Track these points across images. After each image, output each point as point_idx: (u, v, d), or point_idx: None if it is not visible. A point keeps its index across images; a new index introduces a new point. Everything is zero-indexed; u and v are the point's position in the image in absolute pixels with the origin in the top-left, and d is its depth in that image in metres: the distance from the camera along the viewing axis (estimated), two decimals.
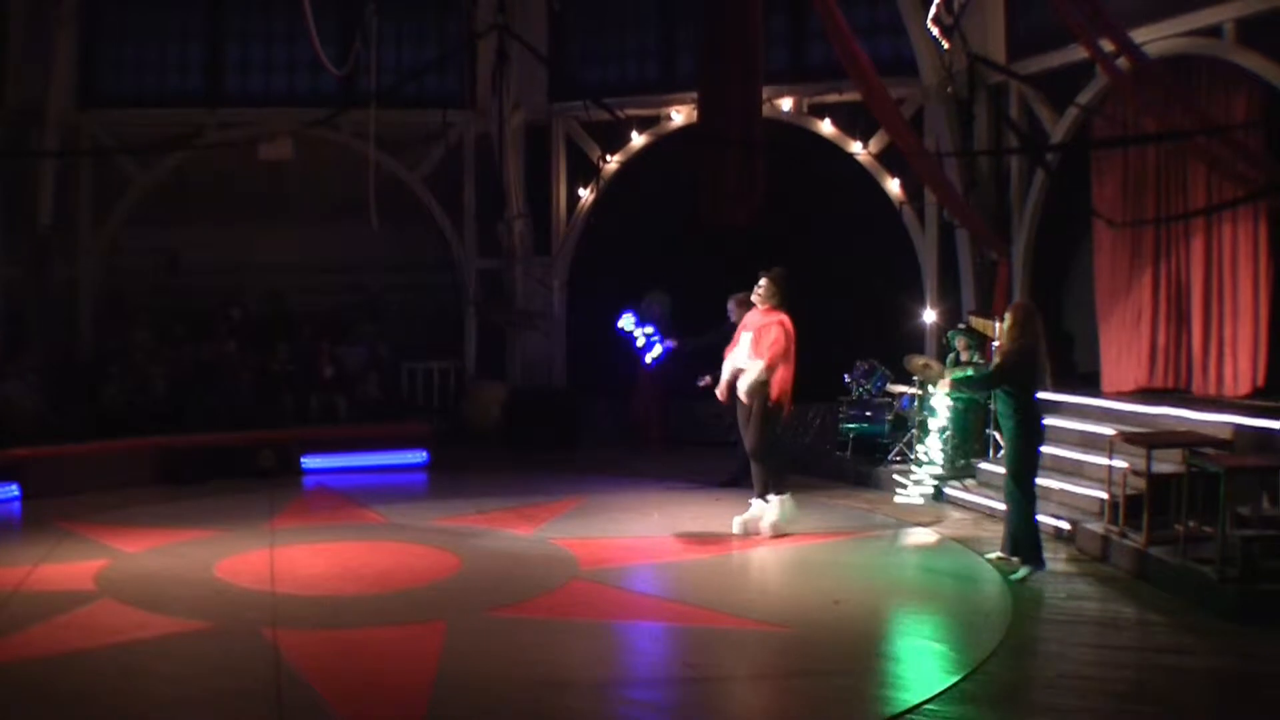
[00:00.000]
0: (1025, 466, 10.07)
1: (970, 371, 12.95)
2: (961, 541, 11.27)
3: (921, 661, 8.09)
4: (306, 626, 8.64)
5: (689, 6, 17.05)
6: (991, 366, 10.03)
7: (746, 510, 11.65)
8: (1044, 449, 11.31)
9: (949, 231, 15.88)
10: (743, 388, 11.31)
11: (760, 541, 11.36)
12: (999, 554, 10.38)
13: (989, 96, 15.38)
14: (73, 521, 12.16)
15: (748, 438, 11.52)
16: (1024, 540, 10.01)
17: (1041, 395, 12.85)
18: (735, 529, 11.52)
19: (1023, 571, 9.94)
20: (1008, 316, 10.13)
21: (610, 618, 9.06)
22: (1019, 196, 15.07)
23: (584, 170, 18.29)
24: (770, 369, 11.25)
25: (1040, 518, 11.42)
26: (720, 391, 11.69)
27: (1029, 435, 10.03)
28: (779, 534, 11.35)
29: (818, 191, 16.24)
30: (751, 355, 11.36)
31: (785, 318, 11.45)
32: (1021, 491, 10.04)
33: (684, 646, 8.45)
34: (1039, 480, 10.37)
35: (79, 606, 9.10)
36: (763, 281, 11.57)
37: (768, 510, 11.49)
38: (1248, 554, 8.93)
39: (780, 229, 15.57)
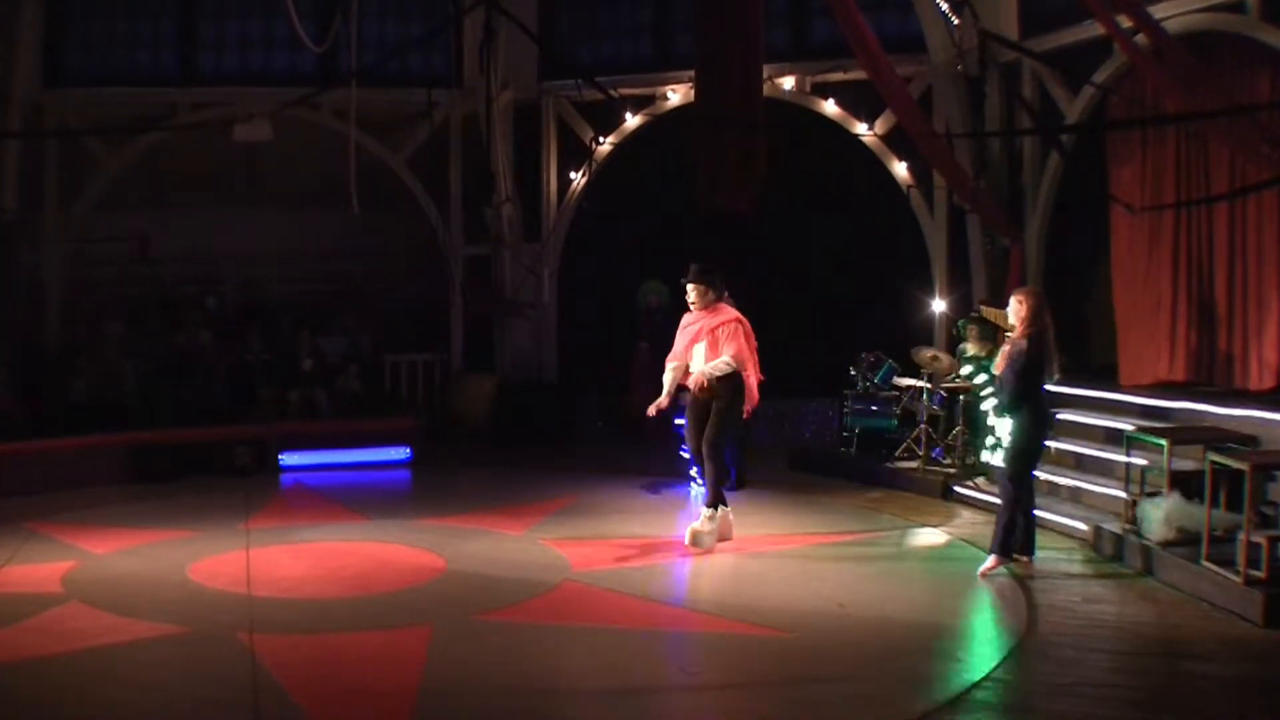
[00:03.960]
0: (1028, 458, 10.08)
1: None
2: (971, 542, 11.26)
3: (930, 668, 8.06)
4: (284, 631, 8.64)
5: None
6: (1014, 367, 9.94)
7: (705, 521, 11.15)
8: (1060, 445, 11.34)
9: (959, 216, 15.85)
10: (711, 371, 10.97)
11: (759, 543, 11.34)
12: (1016, 556, 10.39)
13: (1001, 75, 15.35)
14: (39, 521, 12.13)
15: (706, 432, 11.09)
16: (1008, 534, 10.03)
17: (1054, 388, 12.94)
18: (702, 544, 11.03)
19: (989, 561, 10.02)
20: (1020, 303, 10.05)
21: (603, 622, 9.05)
22: (1032, 180, 15.04)
23: (576, 152, 18.23)
24: (741, 365, 11.03)
25: (1054, 517, 11.47)
26: (694, 384, 11.15)
27: (1036, 426, 10.04)
28: (696, 545, 10.91)
29: (821, 175, 16.22)
30: (713, 356, 11.10)
31: (735, 313, 11.26)
32: (1018, 484, 10.05)
33: (680, 652, 8.44)
34: (1046, 476, 10.40)
35: (46, 610, 9.09)
36: (690, 288, 11.27)
37: (701, 515, 11.08)
38: (1273, 555, 8.92)
39: (781, 214, 15.56)
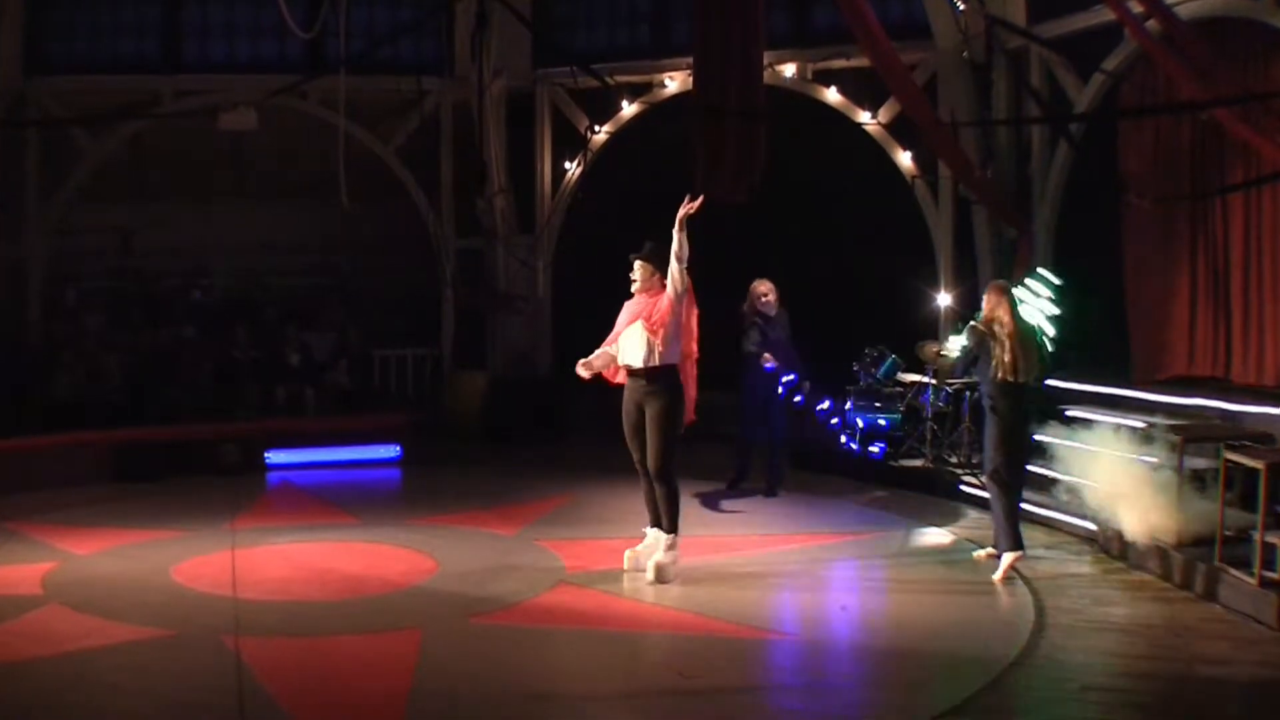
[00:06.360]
0: (1011, 449, 10.13)
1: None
2: (977, 542, 11.23)
3: (935, 672, 8.04)
4: (271, 634, 8.61)
5: None
6: (1028, 358, 10.07)
7: (643, 541, 10.32)
8: (1068, 442, 11.32)
9: (965, 208, 15.83)
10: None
11: (759, 544, 11.32)
12: (990, 550, 10.44)
13: (1008, 62, 15.33)
14: (19, 521, 12.09)
15: (650, 451, 9.99)
16: (1009, 527, 10.07)
17: (1062, 384, 12.92)
18: (626, 564, 10.19)
19: (1006, 559, 10.02)
20: (1000, 297, 10.21)
21: (599, 625, 9.03)
22: (1040, 170, 15.03)
23: (571, 142, 18.21)
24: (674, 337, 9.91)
25: (1064, 517, 11.45)
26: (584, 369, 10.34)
27: (1012, 416, 10.12)
28: (661, 580, 9.91)
29: (823, 165, 16.17)
30: (649, 339, 9.94)
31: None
32: (1005, 474, 10.11)
33: (678, 655, 8.41)
34: (1055, 474, 10.39)
35: (25, 612, 9.06)
36: (637, 265, 10.18)
37: (661, 545, 10.10)
38: None
39: (782, 205, 15.53)
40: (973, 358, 10.23)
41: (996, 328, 10.06)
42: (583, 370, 10.36)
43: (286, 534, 11.73)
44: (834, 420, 14.63)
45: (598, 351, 10.35)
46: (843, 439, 14.38)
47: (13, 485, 13.47)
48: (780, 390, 13.32)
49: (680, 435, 10.03)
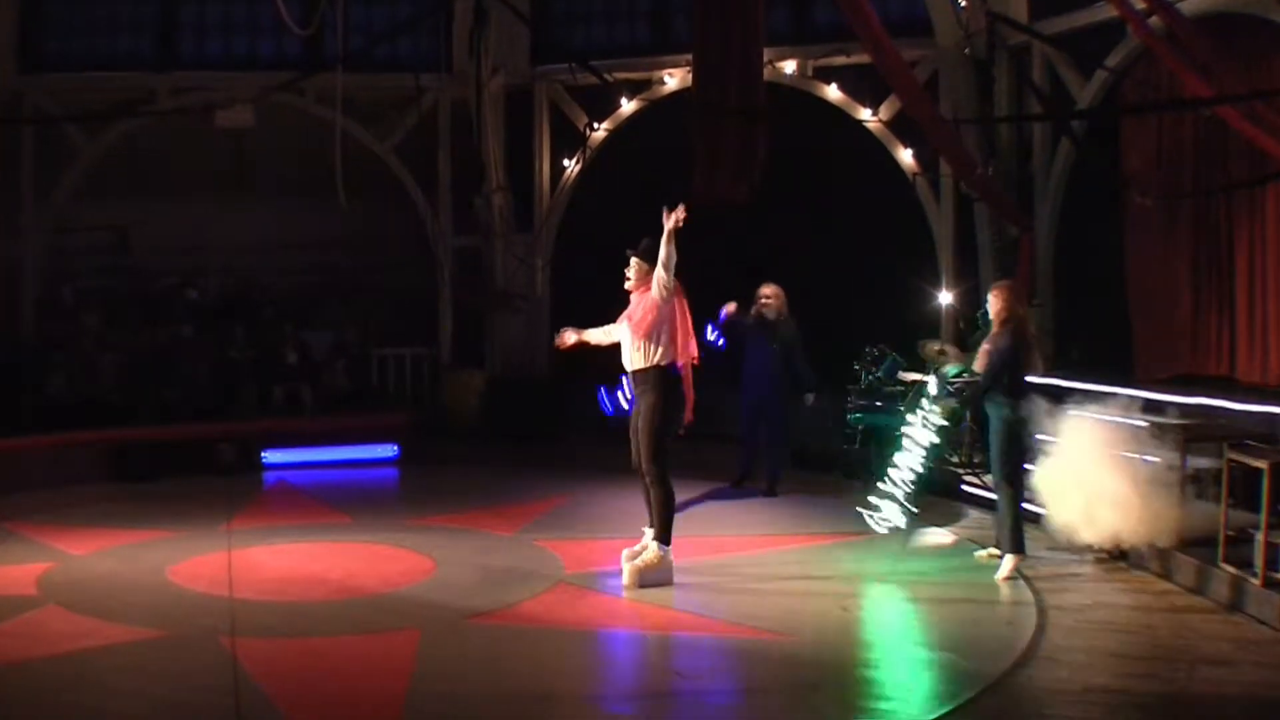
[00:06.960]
0: (1020, 454, 10.16)
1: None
2: (979, 542, 11.23)
3: (937, 674, 8.04)
4: (267, 635, 8.61)
5: None
6: (993, 360, 10.11)
7: (640, 541, 10.12)
8: (1069, 441, 11.32)
9: (966, 205, 15.82)
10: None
11: (759, 544, 11.31)
12: (992, 550, 10.43)
13: (1010, 58, 15.33)
14: (15, 521, 12.11)
15: (641, 451, 9.84)
16: (1018, 530, 10.09)
17: (1064, 383, 12.91)
18: (625, 578, 9.82)
19: (1008, 562, 10.04)
20: (995, 297, 10.27)
21: (598, 625, 9.04)
22: (1042, 167, 15.02)
23: (569, 139, 18.21)
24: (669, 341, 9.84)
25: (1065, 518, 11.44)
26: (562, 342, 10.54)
27: (1020, 422, 10.13)
28: (637, 586, 9.70)
29: (823, 162, 16.16)
30: (635, 340, 9.94)
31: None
32: (1016, 482, 10.13)
33: (676, 656, 8.41)
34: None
35: (21, 613, 9.07)
36: (632, 262, 10.12)
37: (647, 551, 9.93)
38: None
39: (782, 203, 15.52)
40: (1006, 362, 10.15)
41: (1027, 327, 10.11)
42: (563, 340, 10.59)
43: (283, 534, 11.74)
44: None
45: (598, 329, 10.48)
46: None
47: (9, 485, 13.50)
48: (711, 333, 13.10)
49: (670, 436, 9.90)
